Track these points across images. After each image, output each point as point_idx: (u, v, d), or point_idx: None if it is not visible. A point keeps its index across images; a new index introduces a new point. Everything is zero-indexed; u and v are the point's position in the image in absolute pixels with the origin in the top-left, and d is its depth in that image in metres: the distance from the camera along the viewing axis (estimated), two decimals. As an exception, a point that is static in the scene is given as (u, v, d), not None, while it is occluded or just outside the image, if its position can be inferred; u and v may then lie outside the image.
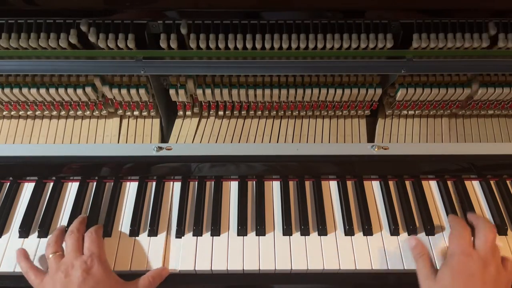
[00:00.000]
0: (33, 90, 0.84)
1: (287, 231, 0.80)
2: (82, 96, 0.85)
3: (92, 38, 0.78)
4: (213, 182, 0.87)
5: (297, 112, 0.94)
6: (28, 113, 0.93)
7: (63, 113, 0.93)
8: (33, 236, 0.80)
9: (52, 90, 0.84)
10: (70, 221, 0.81)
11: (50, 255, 0.72)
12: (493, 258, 0.69)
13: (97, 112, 0.92)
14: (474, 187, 0.89)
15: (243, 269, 0.76)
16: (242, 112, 0.94)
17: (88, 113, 0.92)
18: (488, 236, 0.72)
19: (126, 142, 0.92)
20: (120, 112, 0.93)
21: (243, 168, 0.87)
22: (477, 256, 0.69)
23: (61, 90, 0.84)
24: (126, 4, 0.76)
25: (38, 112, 0.93)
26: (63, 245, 0.75)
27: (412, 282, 0.73)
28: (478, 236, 0.73)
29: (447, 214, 0.84)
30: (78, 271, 0.67)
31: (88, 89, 0.84)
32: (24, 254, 0.75)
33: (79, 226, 0.77)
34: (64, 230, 0.78)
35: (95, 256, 0.70)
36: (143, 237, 0.80)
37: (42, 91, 0.84)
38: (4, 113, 0.92)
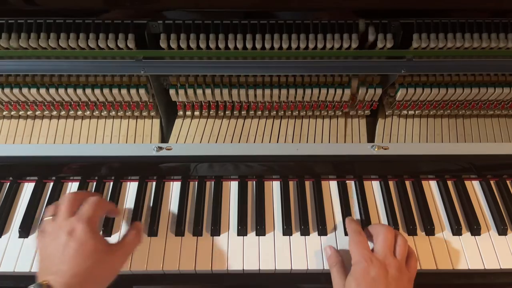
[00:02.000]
0: (33, 90, 0.84)
1: (287, 231, 0.80)
2: (82, 96, 0.85)
3: (92, 42, 0.78)
4: (213, 182, 0.87)
5: (297, 112, 0.94)
6: (28, 113, 0.93)
7: (63, 113, 0.93)
8: (33, 236, 0.80)
9: (52, 90, 0.84)
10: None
11: (46, 218, 0.70)
12: (394, 259, 0.70)
13: (97, 112, 0.92)
14: (474, 187, 0.89)
15: (243, 269, 0.76)
16: (242, 112, 0.94)
17: (88, 113, 0.92)
18: (386, 237, 0.72)
19: (126, 142, 0.92)
20: (120, 112, 0.93)
21: (243, 168, 0.87)
22: (377, 260, 0.69)
23: (61, 90, 0.84)
24: (126, 4, 0.76)
25: (38, 112, 0.93)
26: None
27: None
28: (377, 240, 0.73)
29: (447, 214, 0.84)
30: (63, 234, 0.66)
31: (88, 90, 0.84)
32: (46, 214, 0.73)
33: (83, 194, 0.74)
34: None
35: (83, 217, 0.67)
36: (143, 237, 0.79)
37: (42, 91, 0.84)
38: (4, 113, 0.92)
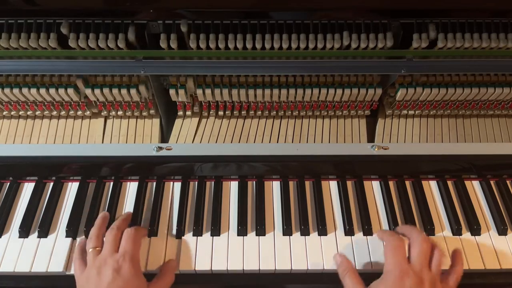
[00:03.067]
0: (33, 90, 0.84)
1: (287, 231, 0.80)
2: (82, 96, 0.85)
3: (92, 42, 0.78)
4: (213, 182, 0.87)
5: (297, 112, 0.94)
6: (28, 113, 0.93)
7: (63, 113, 0.93)
8: (33, 236, 0.80)
9: (52, 90, 0.84)
10: (70, 221, 0.81)
11: (90, 250, 0.73)
12: (430, 273, 0.68)
13: (96, 112, 0.92)
14: (474, 187, 0.89)
15: (243, 269, 0.76)
16: (242, 112, 0.94)
17: (88, 113, 0.92)
18: (422, 249, 0.69)
19: (126, 142, 0.92)
20: (120, 112, 0.93)
21: (243, 168, 0.87)
22: (413, 272, 0.67)
23: (61, 90, 0.84)
24: (126, 4, 0.76)
25: (38, 112, 0.93)
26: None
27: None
28: (412, 250, 0.71)
29: (447, 214, 0.84)
30: (109, 270, 0.68)
31: (88, 90, 0.84)
32: (82, 245, 0.76)
33: (121, 223, 0.77)
34: (106, 220, 0.78)
35: (127, 255, 0.71)
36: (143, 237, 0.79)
37: (42, 91, 0.84)
38: (4, 113, 0.92)
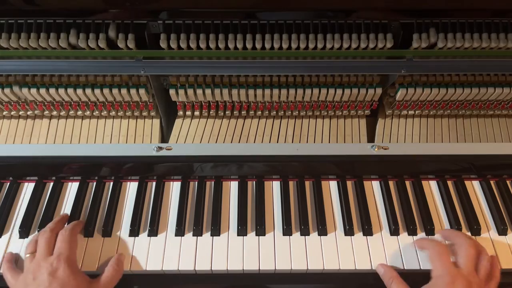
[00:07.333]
0: (33, 90, 0.84)
1: (287, 231, 0.80)
2: (82, 96, 0.85)
3: (92, 42, 0.78)
4: (213, 182, 0.87)
5: (297, 112, 0.94)
6: (28, 113, 0.93)
7: (63, 113, 0.93)
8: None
9: (52, 90, 0.84)
10: (70, 221, 0.81)
11: (27, 255, 0.73)
12: (476, 276, 0.69)
13: (97, 112, 0.92)
14: (474, 187, 0.89)
15: (243, 269, 0.76)
16: (242, 112, 0.94)
17: (88, 113, 0.92)
18: (469, 253, 0.71)
19: (126, 142, 0.92)
20: (120, 112, 0.93)
21: (243, 168, 0.87)
22: (462, 276, 0.68)
23: (61, 90, 0.84)
24: (126, 4, 0.76)
25: (38, 112, 0.93)
26: None
27: (412, 283, 0.73)
28: (459, 253, 0.72)
29: (447, 214, 0.84)
30: (44, 274, 0.68)
31: (88, 90, 0.84)
32: (8, 256, 0.76)
33: (54, 225, 0.76)
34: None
35: (62, 257, 0.70)
36: (143, 237, 0.80)
37: (42, 91, 0.84)
38: (4, 113, 0.92)
